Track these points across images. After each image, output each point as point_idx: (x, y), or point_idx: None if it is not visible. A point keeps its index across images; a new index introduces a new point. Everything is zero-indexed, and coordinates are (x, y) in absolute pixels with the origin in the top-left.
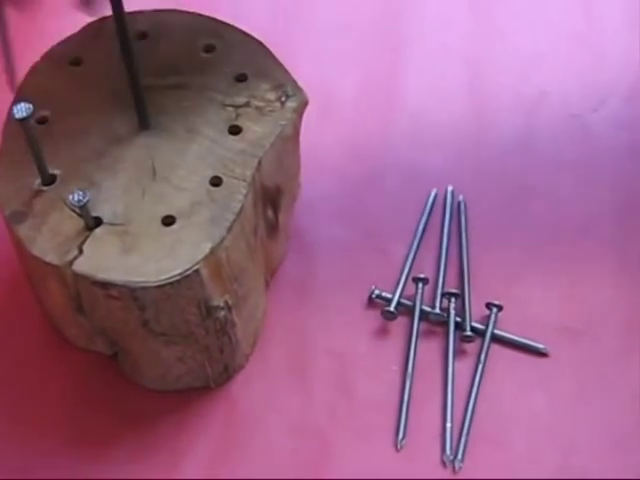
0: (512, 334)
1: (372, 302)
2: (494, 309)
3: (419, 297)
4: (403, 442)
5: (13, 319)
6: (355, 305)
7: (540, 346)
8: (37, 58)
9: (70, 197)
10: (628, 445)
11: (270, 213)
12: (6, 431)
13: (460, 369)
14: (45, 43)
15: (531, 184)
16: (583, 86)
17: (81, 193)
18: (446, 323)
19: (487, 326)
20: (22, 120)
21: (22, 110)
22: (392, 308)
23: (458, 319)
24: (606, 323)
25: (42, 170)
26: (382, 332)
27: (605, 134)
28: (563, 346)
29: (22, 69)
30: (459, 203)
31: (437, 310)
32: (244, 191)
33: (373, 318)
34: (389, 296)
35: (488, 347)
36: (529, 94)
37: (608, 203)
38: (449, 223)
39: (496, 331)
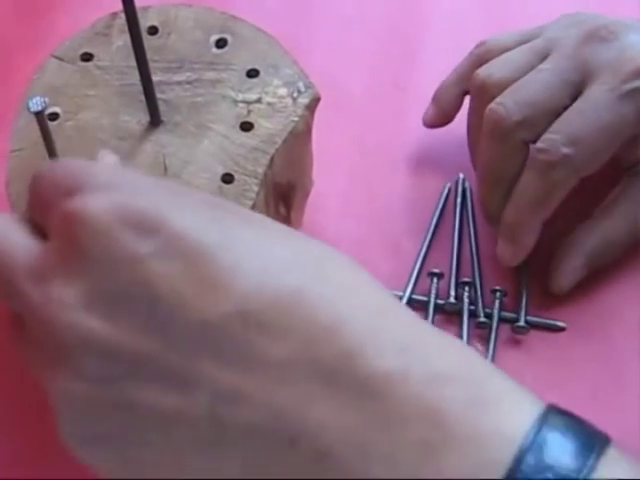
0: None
1: None
2: (498, 294)
3: (434, 292)
4: None
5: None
6: None
7: (559, 324)
8: (48, 54)
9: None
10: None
11: (282, 210)
12: (17, 430)
13: None
14: (56, 39)
15: None
16: None
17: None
18: (460, 312)
19: (492, 310)
20: (38, 114)
21: (38, 103)
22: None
23: (472, 307)
24: (619, 321)
25: None
26: None
27: None
28: (574, 342)
29: (32, 65)
30: (464, 189)
31: (452, 300)
32: (256, 188)
33: None
34: (400, 294)
35: (496, 333)
36: None
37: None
38: (460, 212)
39: (510, 314)
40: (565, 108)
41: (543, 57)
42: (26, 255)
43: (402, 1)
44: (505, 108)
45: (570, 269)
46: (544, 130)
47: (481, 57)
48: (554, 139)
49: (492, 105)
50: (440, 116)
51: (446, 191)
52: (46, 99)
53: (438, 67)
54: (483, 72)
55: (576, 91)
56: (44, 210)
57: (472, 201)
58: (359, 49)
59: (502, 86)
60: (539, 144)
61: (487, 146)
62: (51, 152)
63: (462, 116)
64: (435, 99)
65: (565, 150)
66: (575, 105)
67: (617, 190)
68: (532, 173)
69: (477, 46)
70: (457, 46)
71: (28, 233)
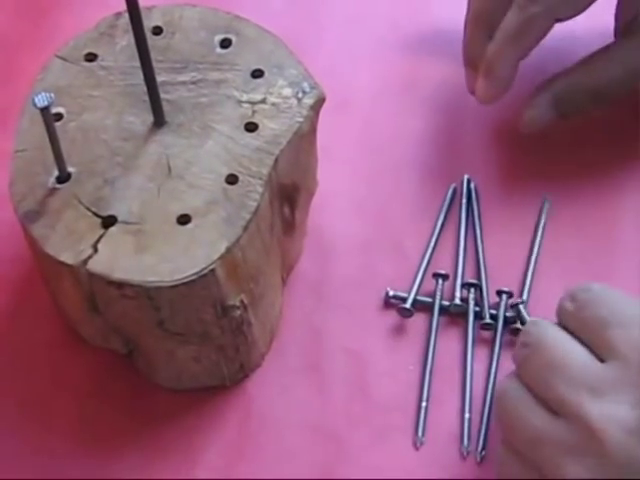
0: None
1: (389, 300)
2: (504, 296)
3: (439, 293)
4: (423, 439)
5: (28, 317)
6: (372, 303)
7: None
8: (51, 54)
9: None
10: None
11: (287, 211)
12: (20, 430)
13: (480, 359)
14: (60, 39)
15: (549, 176)
16: None
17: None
18: (465, 314)
19: (498, 312)
20: (43, 109)
21: (43, 99)
22: (408, 305)
23: (477, 309)
24: None
25: (59, 162)
26: (399, 329)
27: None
28: None
29: (36, 65)
30: (469, 190)
31: (457, 301)
32: (260, 189)
33: (390, 316)
34: (404, 295)
35: (502, 334)
36: None
37: (633, 199)
38: (466, 212)
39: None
40: None
41: None
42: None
43: (407, 1)
44: None
45: (536, 105)
46: None
47: None
48: None
49: None
50: None
51: (451, 191)
52: (52, 95)
53: (444, 67)
54: None
55: None
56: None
57: (478, 202)
58: (364, 49)
59: None
60: None
61: None
62: (55, 148)
63: (465, 115)
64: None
65: None
66: None
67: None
68: (513, 9)
69: None
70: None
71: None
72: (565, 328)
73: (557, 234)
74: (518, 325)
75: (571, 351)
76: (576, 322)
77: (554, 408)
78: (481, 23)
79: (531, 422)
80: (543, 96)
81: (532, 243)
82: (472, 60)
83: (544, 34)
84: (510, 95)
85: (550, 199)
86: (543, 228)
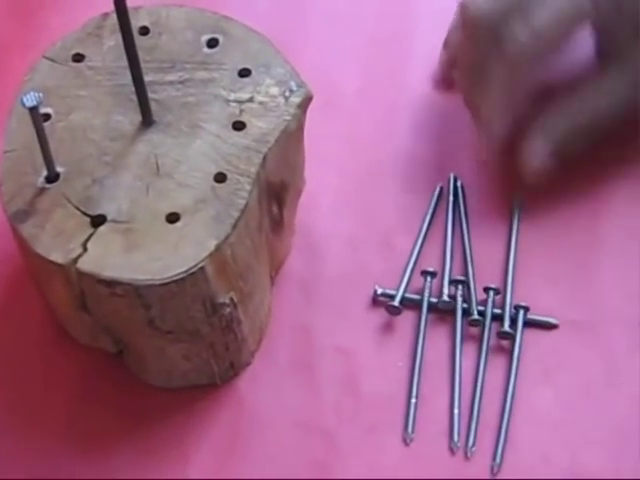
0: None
1: (377, 297)
2: (491, 292)
3: (427, 290)
4: (412, 436)
5: (17, 316)
6: (361, 300)
7: (550, 320)
8: (39, 55)
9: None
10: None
11: (275, 209)
12: (9, 429)
13: (469, 355)
14: (47, 39)
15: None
16: None
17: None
18: (453, 311)
19: (486, 308)
20: (32, 109)
21: (32, 99)
22: (396, 303)
23: (465, 305)
24: (612, 317)
25: (48, 162)
26: (388, 327)
27: None
28: (569, 338)
29: (24, 65)
30: (456, 188)
31: (445, 298)
32: (249, 187)
33: (379, 313)
34: (393, 293)
35: (490, 330)
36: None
37: (615, 192)
38: (453, 210)
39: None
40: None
41: None
42: None
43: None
44: (474, 1)
45: (536, 155)
46: (509, 21)
47: None
48: (516, 28)
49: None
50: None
51: (438, 190)
52: (40, 94)
53: (430, 65)
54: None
55: None
56: None
57: (464, 199)
58: (351, 48)
59: None
60: (503, 34)
61: (462, 41)
62: (44, 148)
63: (452, 114)
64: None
65: (525, 38)
66: None
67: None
68: (498, 62)
69: None
70: None
71: None
72: None
73: (539, 229)
74: (506, 328)
75: None
76: None
77: None
78: (470, 74)
79: None
80: (542, 146)
81: (509, 239)
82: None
83: (531, 81)
84: None
85: (521, 197)
86: (518, 225)
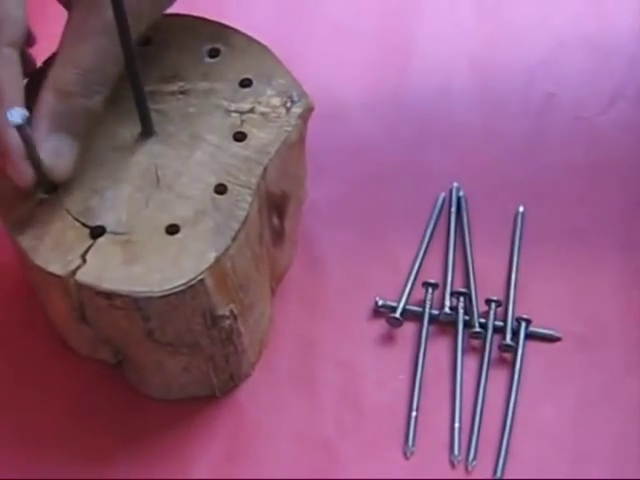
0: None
1: (378, 309)
2: (493, 304)
3: (428, 302)
4: (413, 449)
5: (16, 327)
6: (362, 312)
7: (552, 332)
8: (39, 64)
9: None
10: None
11: (276, 220)
12: (8, 441)
13: (470, 367)
14: (48, 48)
15: (538, 187)
16: (590, 88)
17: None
18: (454, 323)
19: (487, 321)
20: (18, 127)
21: (16, 116)
22: (397, 315)
23: (467, 317)
24: (613, 330)
25: (40, 175)
26: (388, 339)
27: (613, 137)
28: (571, 351)
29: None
30: (458, 199)
31: (447, 310)
32: (249, 199)
33: (380, 325)
34: (394, 304)
35: (491, 342)
36: (536, 96)
37: (617, 207)
38: (455, 221)
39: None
40: None
41: None
42: None
43: (396, 11)
44: None
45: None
46: None
47: None
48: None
49: None
50: None
51: (440, 200)
52: (26, 112)
53: (432, 76)
54: None
55: None
56: None
57: (467, 210)
58: (353, 58)
59: None
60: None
61: None
62: (35, 162)
63: (454, 124)
64: None
65: None
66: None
67: None
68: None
69: None
70: (451, 56)
71: None
72: None
73: (542, 240)
74: (507, 341)
75: None
76: None
77: None
78: None
79: None
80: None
81: (511, 251)
82: None
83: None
84: (499, 104)
85: (524, 207)
86: (520, 236)
